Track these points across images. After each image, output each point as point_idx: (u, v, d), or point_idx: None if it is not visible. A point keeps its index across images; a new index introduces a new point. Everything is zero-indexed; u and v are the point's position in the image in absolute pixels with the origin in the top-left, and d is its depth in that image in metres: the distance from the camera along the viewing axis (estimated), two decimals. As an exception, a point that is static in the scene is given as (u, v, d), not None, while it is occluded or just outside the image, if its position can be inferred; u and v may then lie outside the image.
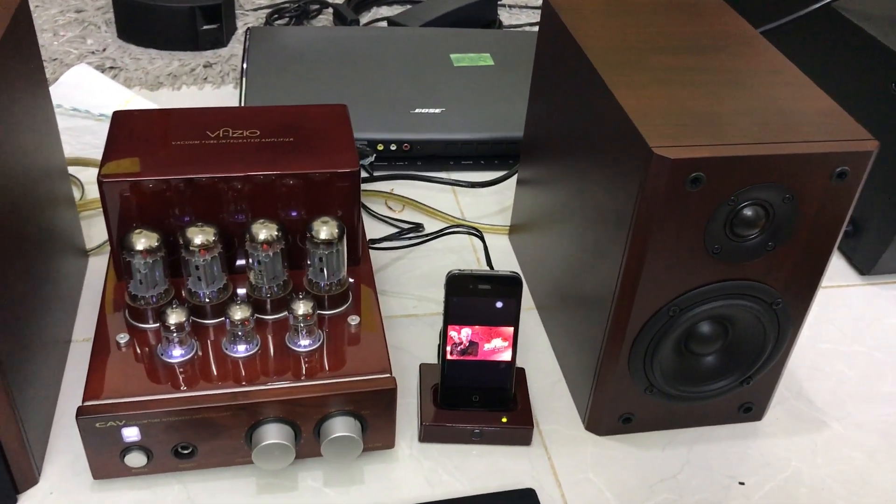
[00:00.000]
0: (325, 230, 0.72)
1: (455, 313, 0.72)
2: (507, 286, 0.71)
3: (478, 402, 0.75)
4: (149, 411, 0.65)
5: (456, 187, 1.06)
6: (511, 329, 0.73)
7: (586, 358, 0.75)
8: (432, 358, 0.82)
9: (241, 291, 0.75)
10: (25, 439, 0.65)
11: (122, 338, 0.70)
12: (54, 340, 0.77)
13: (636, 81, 0.68)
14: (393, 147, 1.07)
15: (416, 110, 1.10)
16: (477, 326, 0.73)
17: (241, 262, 0.77)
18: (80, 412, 0.64)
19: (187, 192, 0.73)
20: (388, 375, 0.69)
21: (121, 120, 0.79)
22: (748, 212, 0.64)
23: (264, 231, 0.71)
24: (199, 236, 0.70)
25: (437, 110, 1.11)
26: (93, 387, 0.66)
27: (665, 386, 0.73)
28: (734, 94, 0.68)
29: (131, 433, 0.65)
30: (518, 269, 0.94)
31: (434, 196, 1.05)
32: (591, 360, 0.74)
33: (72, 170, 1.02)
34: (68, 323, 0.82)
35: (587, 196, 0.73)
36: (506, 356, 0.74)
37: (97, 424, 0.64)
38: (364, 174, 1.05)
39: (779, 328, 0.71)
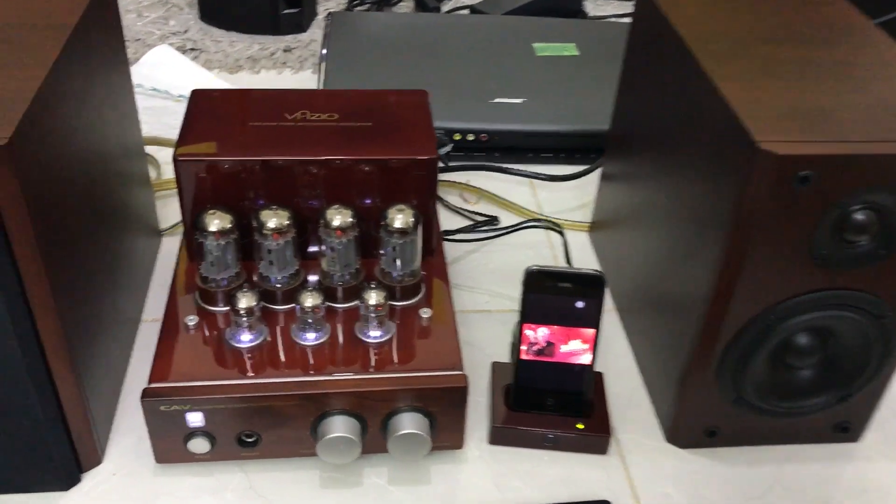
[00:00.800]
0: (400, 218, 0.69)
1: (532, 311, 0.69)
2: (590, 285, 0.67)
3: (552, 405, 0.71)
4: (214, 397, 0.63)
5: (534, 180, 1.02)
6: (592, 331, 0.69)
7: (670, 365, 0.71)
8: (504, 357, 0.79)
9: (313, 278, 0.73)
10: (91, 419, 0.64)
11: (191, 320, 0.69)
12: (124, 319, 0.76)
13: (740, 73, 0.64)
14: (470, 137, 1.04)
15: (496, 100, 1.07)
16: (555, 326, 0.69)
17: (313, 248, 0.75)
18: (145, 394, 0.63)
19: (263, 175, 0.71)
20: (460, 373, 0.66)
21: (199, 98, 0.78)
22: (860, 216, 0.58)
23: (339, 217, 0.68)
24: (273, 220, 0.68)
25: (518, 100, 1.07)
26: (159, 369, 0.65)
27: (756, 399, 0.68)
28: (847, 88, 0.62)
29: (196, 418, 0.64)
30: (598, 268, 0.90)
31: (511, 189, 1.01)
32: (676, 368, 0.69)
33: (149, 149, 1.02)
34: (138, 302, 0.81)
35: (681, 193, 0.69)
36: (584, 359, 0.70)
37: (161, 408, 0.63)
38: (439, 164, 1.02)
39: (885, 344, 0.65)
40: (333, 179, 0.72)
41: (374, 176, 0.72)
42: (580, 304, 0.68)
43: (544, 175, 0.99)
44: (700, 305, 0.65)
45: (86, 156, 0.66)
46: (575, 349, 0.70)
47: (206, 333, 0.68)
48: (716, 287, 0.63)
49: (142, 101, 1.13)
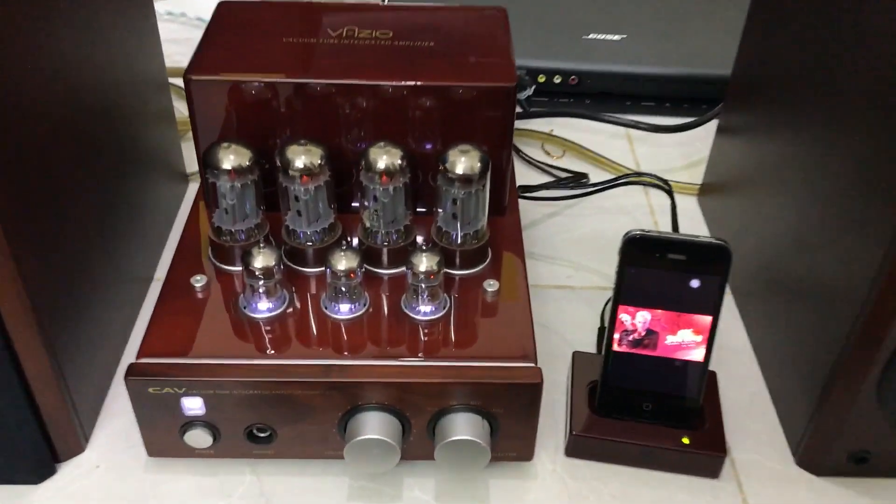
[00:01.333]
0: (463, 162, 0.54)
1: (631, 289, 0.53)
2: (711, 259, 0.51)
3: (650, 412, 0.56)
4: (217, 379, 0.49)
5: (632, 132, 0.85)
6: (708, 319, 0.52)
7: (807, 367, 0.54)
8: (589, 345, 0.63)
9: (356, 242, 0.58)
10: (68, 397, 0.52)
11: (198, 281, 0.55)
12: (131, 278, 0.63)
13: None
14: (557, 79, 0.88)
15: (590, 35, 0.91)
16: (659, 310, 0.53)
17: (357, 204, 0.61)
18: (131, 372, 0.50)
19: (295, 103, 0.57)
20: (532, 365, 0.51)
21: (224, 11, 0.64)
22: None
23: (385, 157, 0.54)
24: (302, 157, 0.53)
25: (616, 37, 0.91)
26: (151, 340, 0.52)
27: (931, 422, 0.51)
28: None
29: (194, 405, 0.50)
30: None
31: (603, 142, 0.85)
32: (817, 372, 0.53)
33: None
34: (152, 257, 0.68)
35: (836, 147, 0.52)
36: (696, 355, 0.54)
37: (150, 390, 0.50)
38: (518, 109, 0.86)
39: None
40: (383, 111, 0.57)
41: (433, 108, 0.57)
42: (695, 284, 0.51)
43: (646, 125, 0.82)
44: (859, 293, 0.48)
45: (87, 86, 0.53)
46: (684, 341, 0.54)
47: (216, 298, 0.55)
48: (887, 270, 0.46)
49: (184, 32, 1.00)
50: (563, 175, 0.79)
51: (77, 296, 0.53)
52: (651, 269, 0.52)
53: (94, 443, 0.55)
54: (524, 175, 0.81)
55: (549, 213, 0.76)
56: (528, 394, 0.50)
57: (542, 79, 0.88)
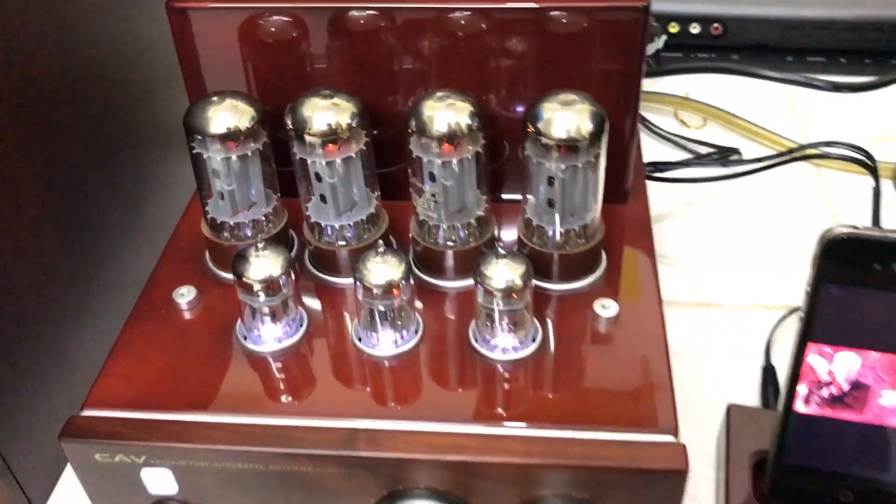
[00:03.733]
0: (566, 119, 0.35)
1: (830, 320, 0.33)
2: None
3: (853, 507, 0.36)
4: (190, 446, 0.33)
5: (796, 95, 0.65)
6: (963, 371, 0.32)
7: None
8: (749, 394, 0.44)
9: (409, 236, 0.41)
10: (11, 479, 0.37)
11: (184, 295, 0.39)
12: (130, 282, 0.48)
13: None
14: (694, 28, 0.70)
15: (740, -31, 0.71)
16: (875, 353, 0.33)
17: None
18: (68, 430, 0.34)
19: (324, 38, 0.40)
20: (672, 440, 0.32)
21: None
22: None
23: (448, 114, 0.36)
24: (325, 116, 0.36)
25: (774, -29, 0.70)
26: (106, 382, 0.36)
27: None
28: None
29: (160, 480, 0.34)
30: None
31: (757, 108, 0.64)
32: None
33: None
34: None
35: None
36: (938, 427, 0.34)
37: (97, 456, 0.34)
38: (644, 67, 0.67)
39: None
40: (448, 49, 0.39)
41: (523, 44, 0.38)
42: (945, 316, 0.32)
43: (821, 83, 0.60)
44: None
45: (94, 44, 0.39)
46: (915, 404, 0.34)
47: (206, 321, 0.38)
48: None
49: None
50: (704, 150, 0.59)
51: (55, 313, 0.38)
52: (866, 288, 0.32)
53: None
54: (652, 151, 0.61)
55: (686, 199, 0.57)
56: (664, 485, 0.32)
57: (674, 28, 0.70)
